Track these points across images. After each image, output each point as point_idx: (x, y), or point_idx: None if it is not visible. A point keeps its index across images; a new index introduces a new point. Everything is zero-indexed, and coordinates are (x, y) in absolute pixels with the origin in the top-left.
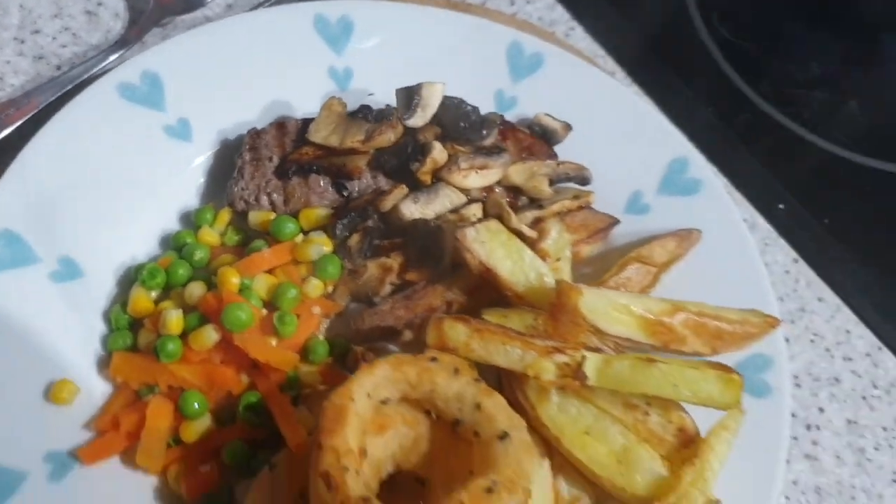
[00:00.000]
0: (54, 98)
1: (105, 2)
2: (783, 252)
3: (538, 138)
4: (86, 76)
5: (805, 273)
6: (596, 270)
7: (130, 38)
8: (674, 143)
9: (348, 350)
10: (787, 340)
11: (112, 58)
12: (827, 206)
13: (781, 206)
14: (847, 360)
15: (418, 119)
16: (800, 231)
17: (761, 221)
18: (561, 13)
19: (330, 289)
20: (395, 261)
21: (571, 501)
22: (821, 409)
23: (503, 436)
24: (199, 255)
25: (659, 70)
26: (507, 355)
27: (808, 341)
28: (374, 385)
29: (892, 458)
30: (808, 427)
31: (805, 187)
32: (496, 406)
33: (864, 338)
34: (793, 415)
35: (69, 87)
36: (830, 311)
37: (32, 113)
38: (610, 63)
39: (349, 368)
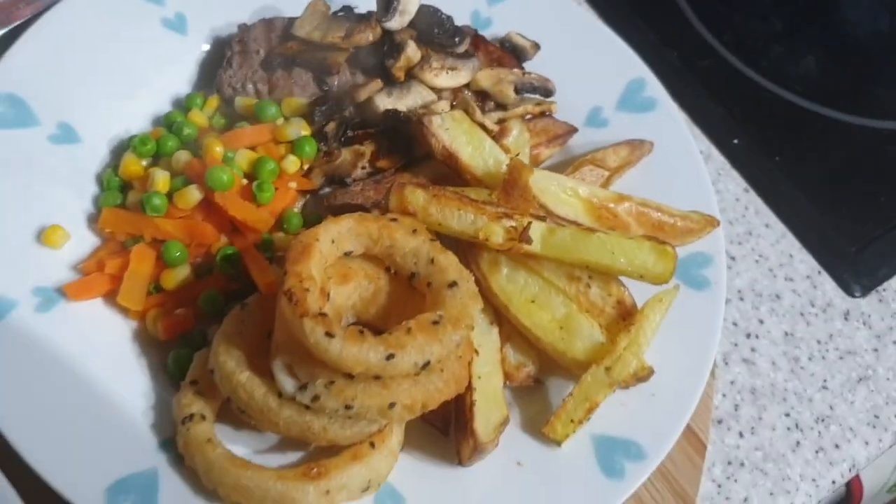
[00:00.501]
0: None
1: None
2: (735, 182)
3: (507, 53)
4: None
5: (754, 202)
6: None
7: None
8: (633, 64)
9: (319, 223)
10: (733, 258)
11: None
12: (779, 146)
13: (736, 140)
14: (788, 280)
15: (396, 22)
16: (752, 165)
17: (716, 153)
18: None
19: (306, 167)
20: (367, 148)
21: (517, 366)
22: (760, 321)
23: (452, 284)
24: (188, 131)
25: (627, 14)
26: (460, 220)
27: (753, 261)
28: (338, 234)
29: (824, 369)
30: (748, 335)
31: (760, 127)
32: (448, 260)
33: (805, 262)
34: (734, 324)
35: None
36: (776, 237)
37: (42, 9)
38: (583, 6)
39: None
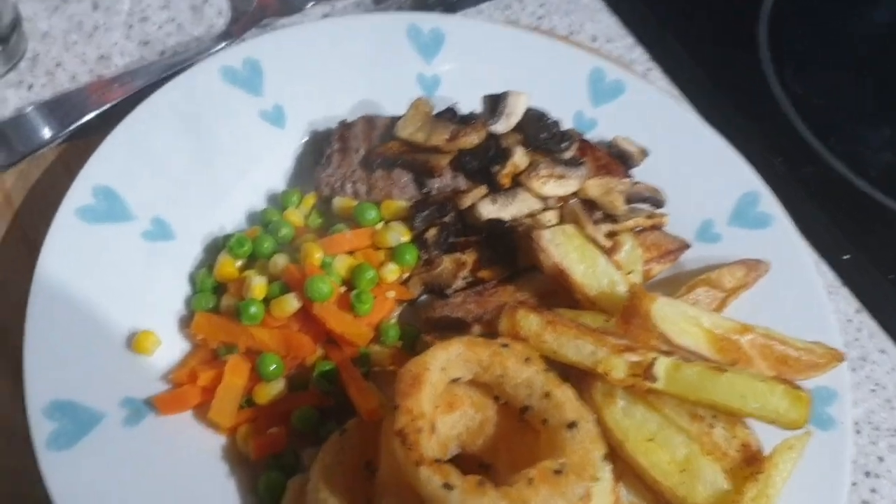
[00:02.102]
0: (156, 80)
1: None
2: (846, 301)
3: (614, 159)
4: (186, 63)
5: (867, 324)
6: (664, 293)
7: (232, 32)
8: (746, 177)
9: (417, 337)
10: None
11: (213, 50)
12: (891, 261)
13: (846, 256)
14: None
15: (502, 125)
16: (864, 283)
17: (825, 269)
18: (640, 54)
19: (405, 276)
20: (469, 257)
21: None
22: (880, 458)
23: (572, 425)
24: (285, 231)
25: (732, 116)
26: (578, 350)
27: (869, 390)
28: (447, 361)
29: None
30: (867, 474)
31: (870, 242)
32: (565, 396)
33: None
34: (851, 461)
35: (170, 71)
36: (892, 363)
37: (134, 91)
38: (684, 105)
39: (418, 354)
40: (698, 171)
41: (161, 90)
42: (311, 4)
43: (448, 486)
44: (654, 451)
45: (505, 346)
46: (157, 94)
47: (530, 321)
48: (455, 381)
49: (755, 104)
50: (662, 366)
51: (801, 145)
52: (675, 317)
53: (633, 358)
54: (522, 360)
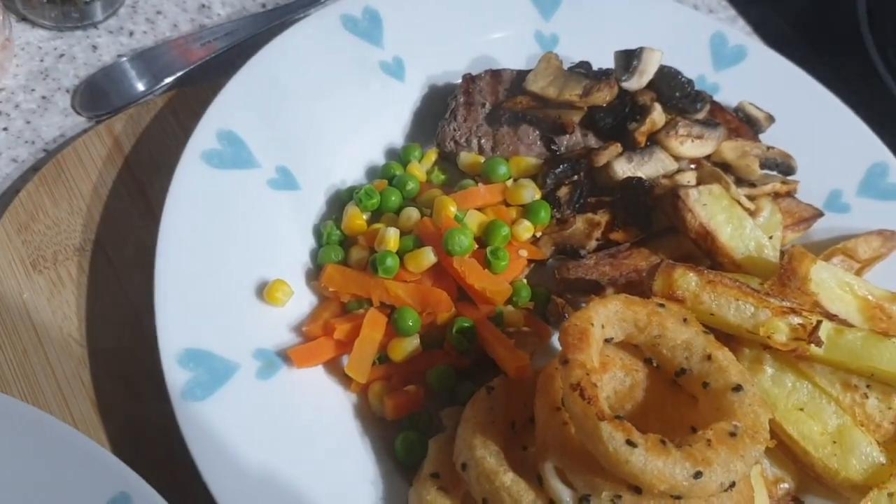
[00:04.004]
0: (258, 32)
1: None
2: None
3: (743, 123)
4: (287, 17)
5: None
6: None
7: None
8: (874, 147)
9: (548, 299)
10: None
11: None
12: None
13: None
14: None
15: (635, 82)
16: None
17: None
18: (742, 25)
19: (537, 235)
20: (602, 217)
21: (774, 482)
22: None
23: (737, 388)
24: (412, 185)
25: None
26: (739, 311)
27: None
28: (606, 317)
29: None
30: None
31: None
32: (727, 358)
33: None
34: None
35: (273, 23)
36: None
37: (237, 42)
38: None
39: (548, 318)
40: (825, 140)
41: (282, 36)
42: None
43: (631, 444)
44: (804, 420)
45: (661, 305)
46: (278, 39)
47: (689, 279)
48: (607, 341)
49: (861, 84)
50: (824, 331)
51: None
52: (831, 281)
53: (797, 320)
54: (681, 321)
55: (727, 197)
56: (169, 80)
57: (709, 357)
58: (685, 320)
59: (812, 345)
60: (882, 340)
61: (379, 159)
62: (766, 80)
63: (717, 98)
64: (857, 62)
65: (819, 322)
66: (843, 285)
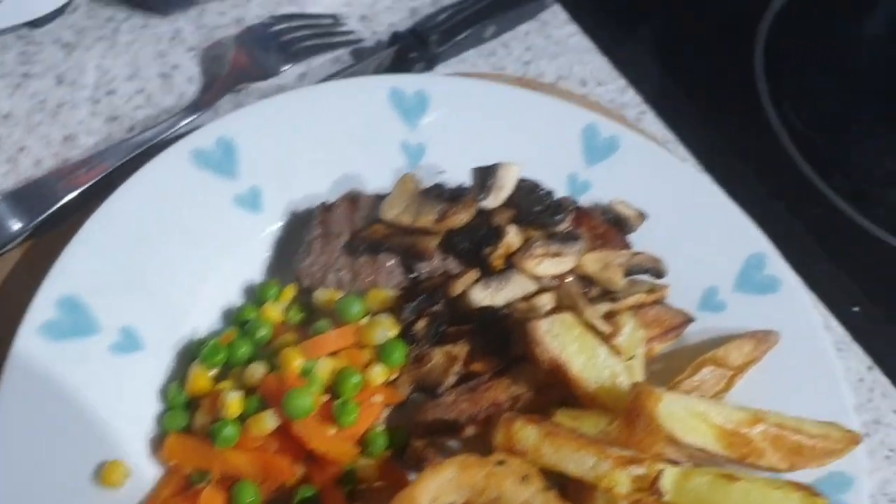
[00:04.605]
0: (125, 160)
1: (180, 65)
2: (857, 358)
3: (612, 226)
4: (157, 139)
5: (881, 382)
6: (666, 368)
7: (203, 102)
8: (751, 237)
9: (407, 443)
10: None
11: (185, 122)
12: None
13: (856, 308)
14: None
15: (493, 200)
16: (877, 336)
17: (834, 324)
18: (632, 97)
19: (393, 376)
20: (461, 349)
21: None
22: None
23: None
24: (262, 332)
25: (729, 159)
26: (579, 463)
27: (883, 457)
28: (438, 488)
29: None
30: None
31: (881, 290)
32: None
33: None
34: None
35: (140, 150)
36: None
37: (102, 175)
38: (681, 149)
39: (408, 464)
40: (700, 233)
41: (125, 184)
42: (286, 67)
43: None
44: None
45: (500, 463)
46: (122, 189)
47: (527, 433)
48: None
49: (755, 144)
50: (670, 477)
51: (805, 186)
52: (682, 414)
53: (638, 471)
54: (520, 479)
55: (579, 324)
56: (31, 225)
57: None
58: (525, 478)
59: (654, 496)
60: (729, 483)
61: (238, 300)
62: (640, 170)
63: (589, 196)
64: (753, 119)
65: (660, 471)
66: (696, 416)
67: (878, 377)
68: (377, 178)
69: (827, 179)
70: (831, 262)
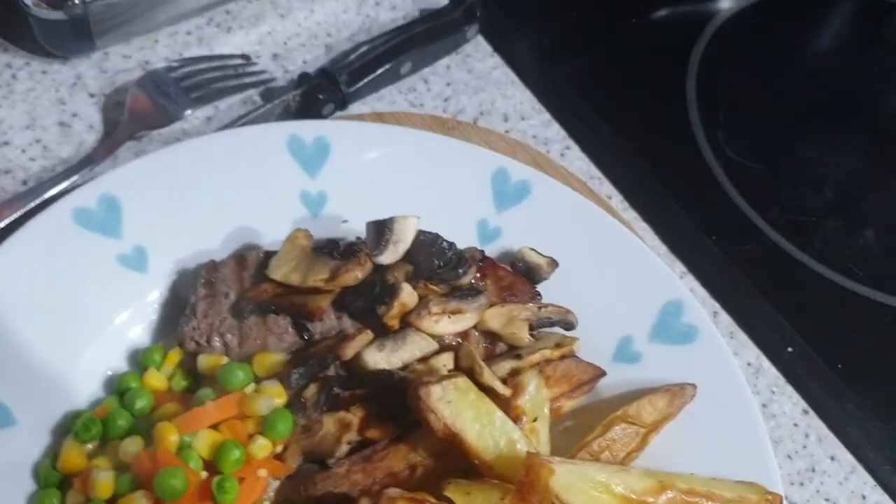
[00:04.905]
0: (14, 217)
1: (80, 112)
2: (791, 401)
3: (521, 276)
4: (49, 194)
5: (816, 427)
6: (579, 424)
7: (99, 155)
8: (668, 284)
9: None
10: None
11: (80, 174)
12: (841, 351)
13: (791, 349)
14: None
15: (389, 256)
16: (811, 378)
17: (767, 365)
18: (557, 131)
19: (280, 448)
20: (355, 415)
21: None
22: None
23: None
24: (141, 403)
25: (658, 194)
26: None
27: None
28: None
29: None
30: None
31: (817, 328)
32: None
33: None
34: None
35: (31, 204)
36: (844, 472)
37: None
38: (606, 185)
39: None
40: (615, 280)
41: (3, 246)
42: (189, 112)
43: None
44: None
45: None
46: None
47: None
48: None
49: (686, 176)
50: None
51: (739, 219)
52: (580, 485)
53: None
54: None
55: (474, 389)
56: None
57: None
58: None
59: None
60: None
61: (122, 366)
62: (552, 216)
63: (499, 243)
64: (685, 151)
65: None
66: (596, 486)
67: (814, 421)
68: (276, 230)
69: (762, 212)
70: (766, 299)
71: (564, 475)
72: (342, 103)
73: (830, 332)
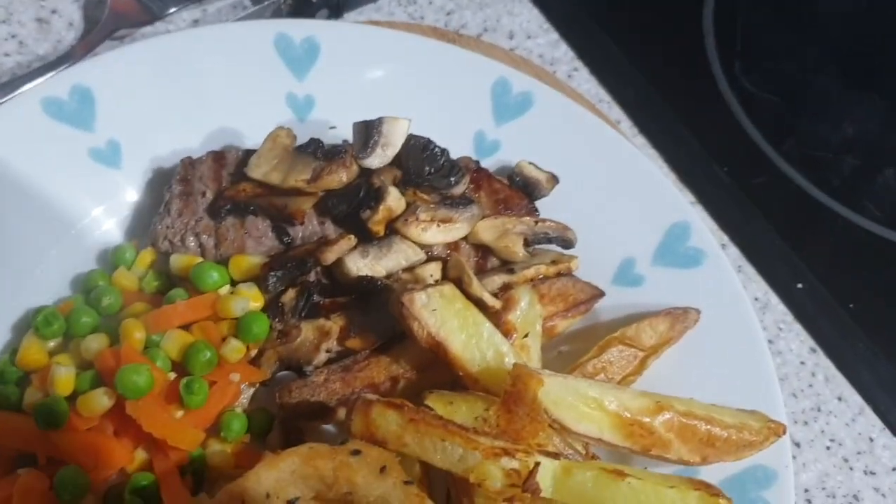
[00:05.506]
0: None
1: (60, 9)
2: (799, 339)
3: (518, 190)
4: (23, 89)
5: (824, 365)
6: (576, 350)
7: (77, 52)
8: (675, 206)
9: (271, 427)
10: (797, 445)
11: (56, 71)
12: (853, 290)
13: (800, 285)
14: (869, 473)
15: (376, 159)
16: (820, 316)
17: (775, 301)
18: (565, 51)
19: (254, 352)
20: (335, 323)
21: None
22: None
23: None
24: (108, 300)
25: (669, 120)
26: (445, 454)
27: (823, 448)
28: (276, 481)
29: None
30: None
31: (829, 266)
32: None
33: (890, 448)
34: None
35: (3, 100)
36: (851, 414)
37: None
38: (615, 110)
39: (271, 450)
40: (618, 200)
41: None
42: (173, 10)
43: None
44: None
45: (356, 452)
46: None
47: (388, 419)
48: (292, 501)
49: (699, 105)
50: (549, 471)
51: (752, 151)
52: (570, 400)
53: (511, 464)
54: (376, 471)
55: (461, 299)
56: None
57: None
58: (383, 469)
59: (529, 492)
60: (615, 481)
61: (91, 265)
62: (555, 131)
63: (497, 157)
64: (698, 78)
65: (536, 465)
66: (589, 402)
67: (822, 360)
68: (258, 133)
69: (776, 145)
70: (775, 233)
71: (554, 388)
72: (337, 9)
73: (843, 270)
